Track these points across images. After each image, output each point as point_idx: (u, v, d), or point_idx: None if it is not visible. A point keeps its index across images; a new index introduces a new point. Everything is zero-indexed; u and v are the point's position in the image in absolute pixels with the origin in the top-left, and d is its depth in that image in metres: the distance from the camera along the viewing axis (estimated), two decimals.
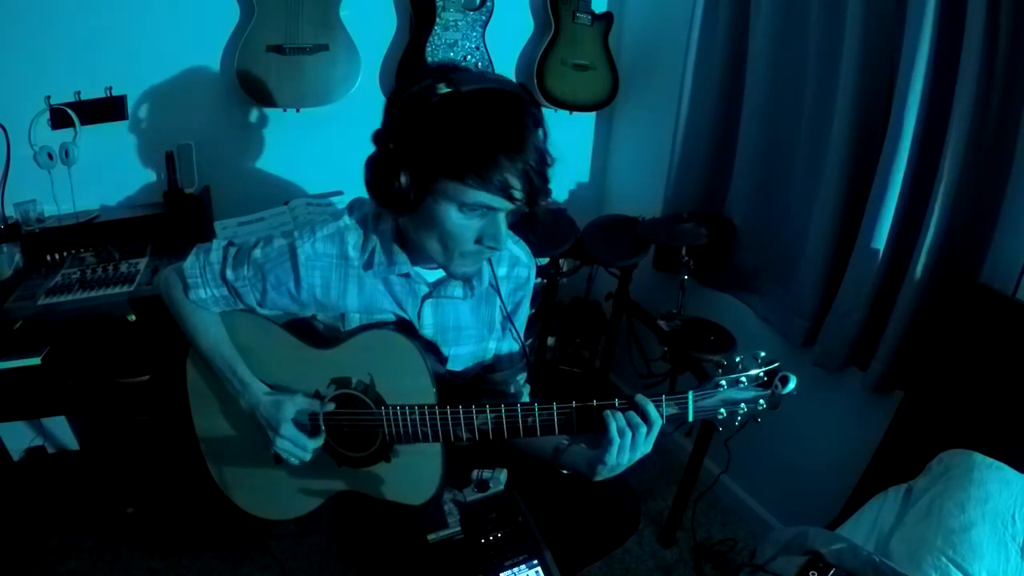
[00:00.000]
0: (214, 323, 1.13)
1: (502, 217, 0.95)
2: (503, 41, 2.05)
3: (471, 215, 0.93)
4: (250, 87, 1.75)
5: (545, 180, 0.94)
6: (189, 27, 1.75)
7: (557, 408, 0.98)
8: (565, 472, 1.09)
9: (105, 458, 1.74)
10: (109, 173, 1.81)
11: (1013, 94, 1.22)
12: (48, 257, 1.67)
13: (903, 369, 1.43)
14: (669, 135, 1.97)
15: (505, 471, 1.17)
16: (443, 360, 1.15)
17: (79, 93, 1.70)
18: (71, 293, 1.50)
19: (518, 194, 0.91)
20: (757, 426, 0.99)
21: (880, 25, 1.36)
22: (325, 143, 1.99)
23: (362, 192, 1.13)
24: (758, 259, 1.82)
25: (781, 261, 1.73)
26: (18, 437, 1.87)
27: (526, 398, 1.26)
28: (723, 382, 0.95)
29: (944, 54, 1.25)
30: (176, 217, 1.74)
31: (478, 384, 1.24)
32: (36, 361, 1.40)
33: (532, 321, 1.29)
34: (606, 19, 2.10)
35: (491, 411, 1.00)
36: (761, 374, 0.95)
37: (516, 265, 1.18)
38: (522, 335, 1.23)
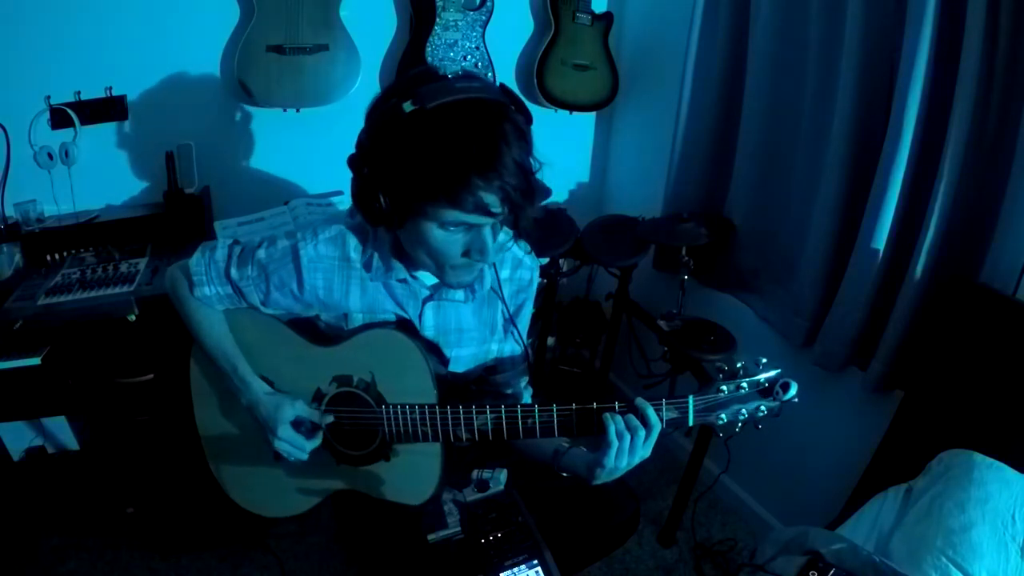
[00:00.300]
0: (217, 320, 1.13)
1: (487, 231, 0.93)
2: (503, 41, 2.05)
3: (454, 231, 0.92)
4: (250, 87, 1.75)
5: (527, 192, 0.89)
6: (189, 27, 1.75)
7: (557, 410, 0.98)
8: (564, 475, 1.10)
9: (105, 458, 1.74)
10: (109, 173, 1.81)
11: (1013, 94, 1.22)
12: (48, 257, 1.67)
13: (903, 369, 1.43)
14: (669, 135, 1.97)
15: (505, 471, 1.17)
16: (445, 361, 1.15)
17: (79, 93, 1.71)
18: (71, 293, 1.50)
19: (496, 210, 0.88)
20: (760, 428, 0.99)
21: (880, 25, 1.36)
22: (325, 143, 1.98)
23: None
24: (758, 259, 1.82)
25: (781, 261, 1.73)
26: (18, 437, 1.87)
27: (527, 400, 1.26)
28: (724, 388, 0.95)
29: (944, 54, 1.25)
30: (176, 217, 1.74)
31: (479, 385, 1.24)
32: (36, 361, 1.41)
33: (532, 321, 1.29)
34: (606, 19, 2.10)
35: (491, 412, 1.00)
36: (762, 380, 0.95)
37: (519, 267, 1.18)
38: (525, 337, 1.23)
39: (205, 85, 1.82)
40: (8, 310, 1.45)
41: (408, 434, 1.05)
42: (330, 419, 1.10)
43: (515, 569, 1.01)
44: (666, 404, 0.96)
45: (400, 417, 1.04)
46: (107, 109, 1.74)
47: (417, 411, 1.03)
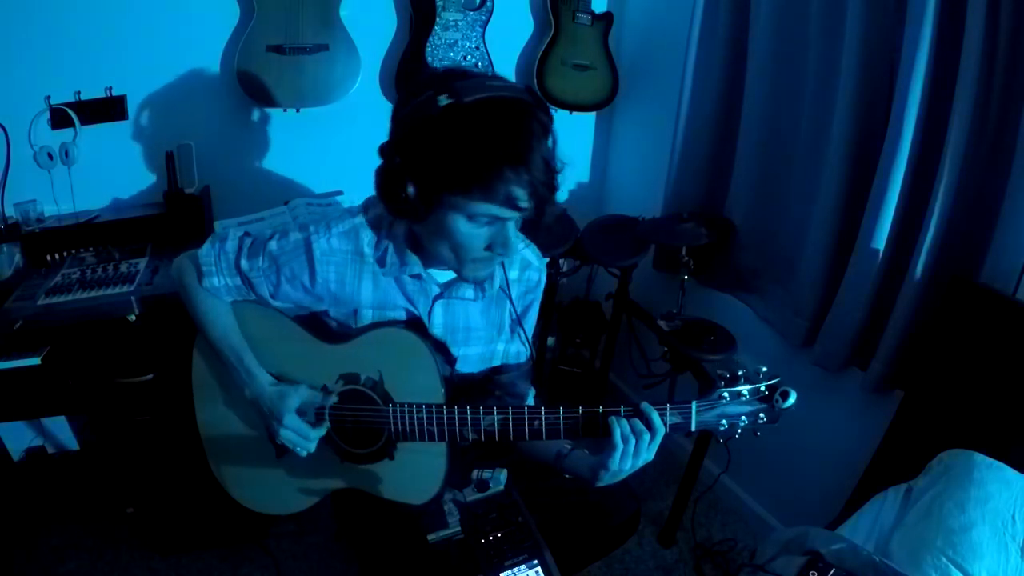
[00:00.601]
0: (224, 311, 1.13)
1: (511, 225, 0.96)
2: (503, 41, 2.05)
3: (479, 224, 0.94)
4: (250, 87, 1.75)
5: (552, 189, 0.93)
6: (189, 27, 1.75)
7: (563, 412, 0.99)
8: (568, 476, 1.10)
9: (105, 458, 1.74)
10: (109, 173, 1.81)
11: (1013, 94, 1.22)
12: (48, 257, 1.67)
13: (903, 369, 1.43)
14: (669, 135, 1.97)
15: (505, 471, 1.17)
16: (452, 361, 1.16)
17: (79, 93, 1.70)
18: (71, 293, 1.50)
19: (524, 204, 0.91)
20: (759, 435, 1.00)
21: (880, 25, 1.36)
22: (325, 143, 1.99)
23: (362, 192, 1.14)
24: (758, 259, 1.82)
25: (781, 261, 1.73)
26: (18, 437, 1.87)
27: (531, 400, 1.26)
28: (725, 394, 0.97)
29: (944, 54, 1.25)
30: (176, 217, 1.74)
31: (484, 385, 1.25)
32: (36, 361, 1.41)
33: (531, 346, 1.30)
34: (606, 19, 2.10)
35: (498, 413, 1.01)
36: (763, 388, 0.97)
37: (527, 269, 1.19)
38: (531, 339, 1.24)
39: (205, 85, 1.82)
40: (8, 310, 1.45)
41: (414, 433, 1.06)
42: (334, 399, 1.09)
43: (515, 569, 1.01)
44: (670, 409, 0.97)
45: (407, 416, 1.05)
46: (107, 109, 1.74)
47: (424, 411, 1.04)
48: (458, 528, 1.10)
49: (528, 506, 1.14)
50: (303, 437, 1.07)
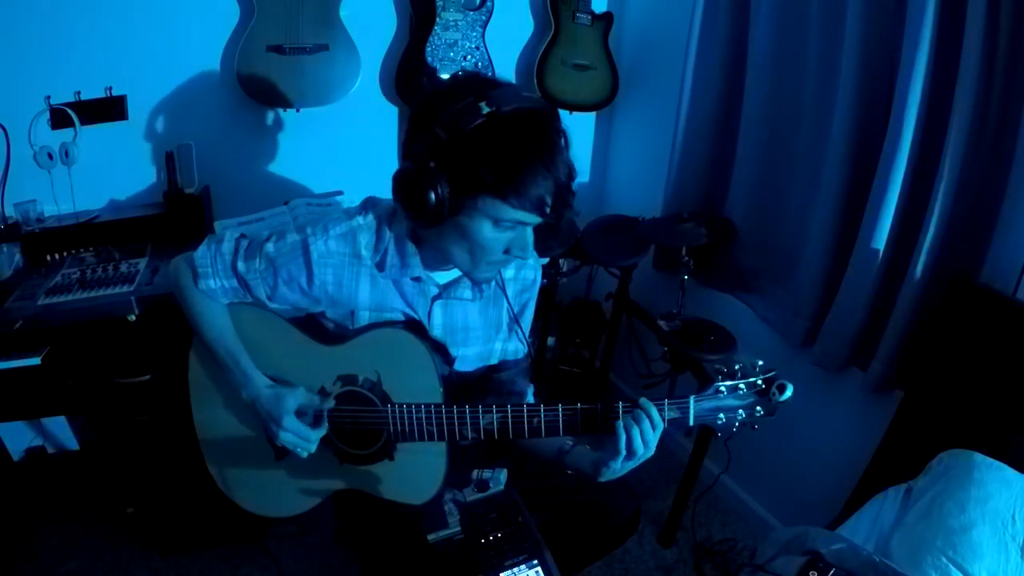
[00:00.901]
0: (220, 313, 1.13)
1: (530, 229, 0.99)
2: (503, 41, 2.05)
3: (503, 229, 0.96)
4: (250, 87, 1.75)
5: (572, 193, 0.97)
6: (189, 27, 1.75)
7: (563, 409, 1.00)
8: (570, 472, 1.11)
9: (105, 458, 1.73)
10: (109, 173, 1.81)
11: (1013, 94, 1.22)
12: (48, 257, 1.67)
13: (903, 369, 1.43)
14: (669, 135, 1.97)
15: (505, 471, 1.17)
16: (450, 361, 1.16)
17: (79, 93, 1.71)
18: (71, 293, 1.50)
19: (550, 209, 0.95)
20: (756, 429, 1.01)
21: (880, 25, 1.36)
22: (325, 143, 1.98)
23: (362, 192, 1.14)
24: (758, 259, 1.82)
25: (781, 261, 1.73)
26: (18, 437, 1.88)
27: (530, 396, 1.27)
28: (723, 388, 0.98)
29: (944, 54, 1.25)
30: (176, 217, 1.74)
31: (484, 383, 1.25)
32: (36, 361, 1.40)
33: (532, 320, 1.30)
34: (606, 19, 2.10)
35: (497, 411, 1.02)
36: (759, 382, 0.98)
37: (523, 267, 1.20)
38: (528, 336, 1.25)
39: (205, 85, 1.82)
40: (8, 310, 1.45)
41: (414, 433, 1.06)
42: (331, 404, 1.09)
43: (515, 569, 1.01)
44: (668, 404, 0.98)
45: (406, 416, 1.05)
46: (107, 109, 1.74)
47: (423, 410, 1.04)
48: (458, 528, 1.10)
49: (528, 506, 1.14)
50: (303, 439, 1.07)
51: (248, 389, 1.11)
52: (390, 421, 1.06)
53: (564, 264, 2.08)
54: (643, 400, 0.97)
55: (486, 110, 0.90)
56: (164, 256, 1.66)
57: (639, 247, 1.97)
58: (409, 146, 0.98)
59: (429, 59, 1.91)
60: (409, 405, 1.05)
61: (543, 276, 2.00)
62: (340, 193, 1.91)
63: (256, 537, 1.87)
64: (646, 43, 2.21)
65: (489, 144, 0.90)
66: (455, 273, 1.13)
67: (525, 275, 1.21)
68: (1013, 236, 1.25)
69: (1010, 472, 1.13)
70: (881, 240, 1.39)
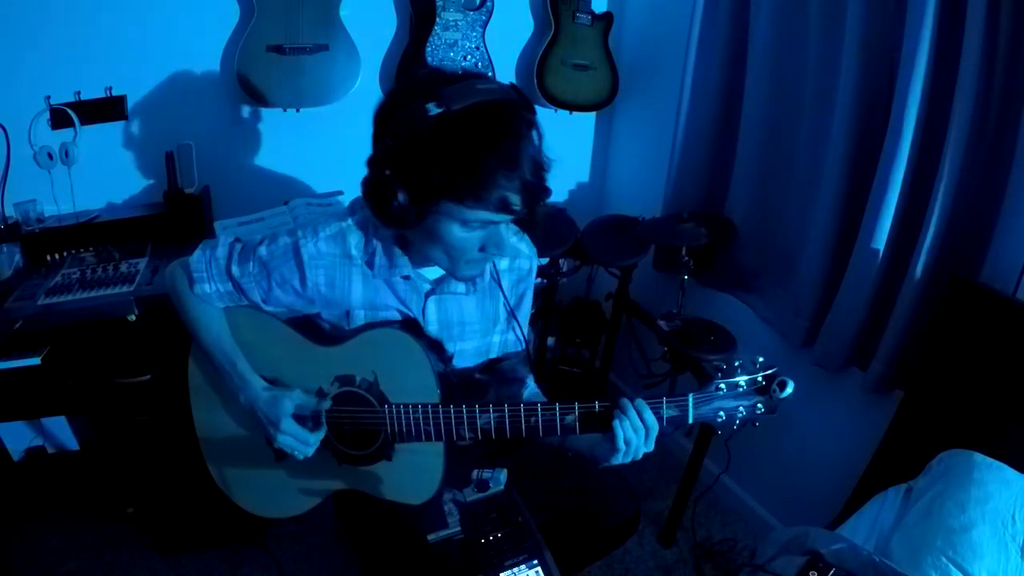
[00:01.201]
0: (217, 318, 1.13)
1: (504, 227, 0.97)
2: (503, 41, 2.05)
3: (473, 228, 0.95)
4: (250, 87, 1.75)
5: (543, 189, 0.94)
6: (189, 27, 1.75)
7: (560, 408, 1.00)
8: (571, 454, 1.11)
9: (105, 458, 1.73)
10: (109, 173, 1.81)
11: (1013, 94, 1.21)
12: (48, 257, 1.67)
13: (903, 369, 1.43)
14: (669, 135, 1.97)
15: (505, 471, 1.17)
16: (449, 358, 1.16)
17: (79, 93, 1.70)
18: (71, 293, 1.50)
19: (517, 207, 0.92)
20: (757, 426, 1.01)
21: (880, 25, 1.36)
22: (325, 143, 1.98)
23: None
24: (758, 259, 1.82)
25: (781, 261, 1.73)
26: (18, 437, 1.87)
27: (532, 384, 1.26)
28: (722, 386, 0.97)
29: (944, 54, 1.25)
30: (176, 217, 1.74)
31: (484, 373, 1.25)
32: (36, 361, 1.40)
33: (532, 321, 1.31)
34: (606, 19, 2.09)
35: (494, 411, 1.01)
36: (759, 379, 0.97)
37: (517, 257, 1.20)
38: (526, 327, 1.25)
39: (205, 85, 1.82)
40: (8, 310, 1.45)
41: (411, 434, 1.06)
42: (328, 404, 1.09)
43: (515, 569, 1.01)
44: (666, 402, 0.97)
45: (403, 417, 1.05)
46: (107, 109, 1.74)
47: (420, 411, 1.04)
48: (458, 528, 1.10)
49: (528, 506, 1.14)
50: (302, 442, 1.08)
51: (246, 393, 1.11)
52: (387, 422, 1.06)
53: (564, 264, 2.09)
54: (638, 401, 0.96)
55: (435, 111, 0.86)
56: (164, 256, 1.66)
57: (639, 247, 1.97)
58: (370, 156, 0.96)
59: (429, 59, 1.91)
60: (406, 405, 1.05)
61: (543, 276, 2.03)
62: (340, 193, 1.91)
63: (256, 537, 1.87)
64: (646, 43, 2.21)
65: (439, 148, 0.87)
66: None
67: (520, 265, 1.20)
68: (1013, 236, 1.25)
69: (1010, 472, 1.13)
70: (881, 240, 1.39)
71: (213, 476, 1.25)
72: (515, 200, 0.91)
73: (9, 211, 1.69)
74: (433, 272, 1.13)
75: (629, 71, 2.20)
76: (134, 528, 1.82)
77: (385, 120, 0.92)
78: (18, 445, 1.88)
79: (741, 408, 0.98)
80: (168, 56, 1.76)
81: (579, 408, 0.99)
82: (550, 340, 2.34)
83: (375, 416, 1.08)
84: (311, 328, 1.14)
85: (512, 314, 1.21)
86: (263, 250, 1.08)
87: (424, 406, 1.04)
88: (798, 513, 1.79)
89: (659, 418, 0.97)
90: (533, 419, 1.00)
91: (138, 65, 1.73)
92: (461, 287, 1.13)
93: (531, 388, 1.25)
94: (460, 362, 1.19)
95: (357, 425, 1.10)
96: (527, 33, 2.16)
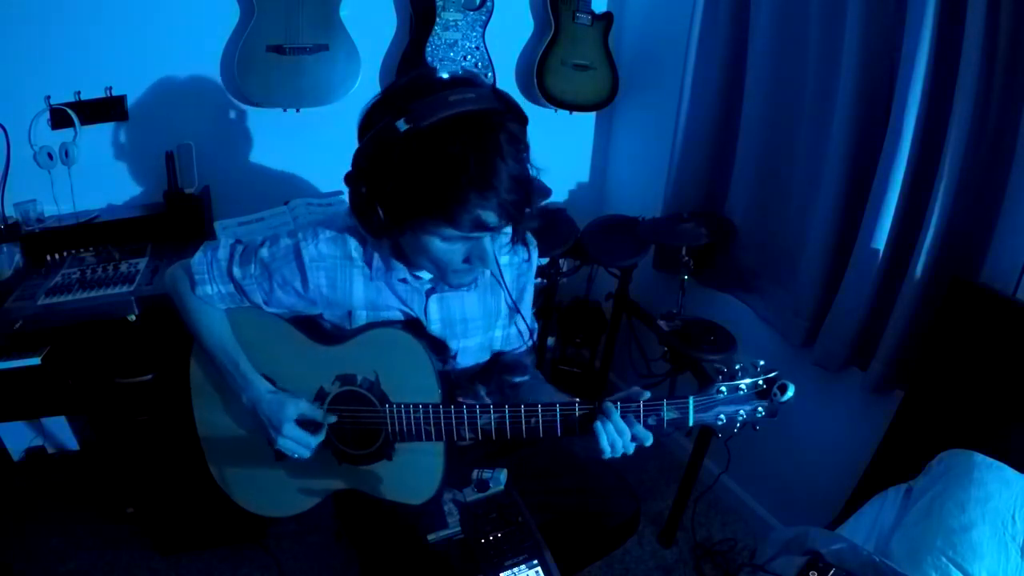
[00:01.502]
0: (218, 319, 1.13)
1: (487, 240, 0.95)
2: (503, 41, 2.05)
3: (454, 242, 0.94)
4: (250, 87, 1.75)
5: (523, 205, 0.91)
6: (189, 27, 1.75)
7: (560, 409, 1.00)
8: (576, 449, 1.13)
9: (105, 458, 1.74)
10: (109, 173, 1.81)
11: (1013, 94, 1.21)
12: (48, 257, 1.67)
13: (903, 369, 1.43)
14: (669, 135, 1.97)
15: (505, 471, 1.17)
16: (452, 356, 1.16)
17: (79, 93, 1.70)
18: (71, 293, 1.50)
19: (494, 224, 0.90)
20: (758, 429, 1.01)
21: (880, 25, 1.36)
22: (325, 143, 1.98)
23: None
24: (758, 259, 1.82)
25: (781, 261, 1.73)
26: (18, 437, 1.87)
27: (532, 369, 1.26)
28: (723, 388, 0.97)
29: (944, 54, 1.25)
30: (176, 217, 1.74)
31: (488, 366, 1.26)
32: (36, 361, 1.40)
33: (535, 319, 1.31)
34: (606, 19, 2.09)
35: (495, 412, 1.02)
36: (760, 382, 0.97)
37: (516, 251, 1.19)
38: (530, 317, 1.26)
39: (205, 85, 1.82)
40: (8, 310, 1.45)
41: (412, 433, 1.06)
42: (333, 419, 1.10)
43: (515, 569, 1.01)
44: (667, 404, 0.97)
45: (404, 416, 1.05)
46: (107, 109, 1.74)
47: (421, 410, 1.04)
48: (458, 528, 1.10)
49: (528, 506, 1.13)
50: (303, 446, 1.08)
51: (249, 393, 1.11)
52: (388, 421, 1.06)
53: (564, 264, 2.08)
54: (606, 404, 0.96)
55: (403, 128, 0.84)
56: (164, 256, 1.66)
57: (639, 247, 1.97)
58: (350, 170, 0.96)
59: (429, 59, 1.91)
60: (407, 405, 1.05)
61: (543, 276, 2.02)
62: (340, 193, 1.91)
63: (256, 537, 1.87)
64: (646, 43, 2.21)
65: (409, 168, 0.85)
66: None
67: (520, 258, 1.20)
68: (1013, 236, 1.25)
69: (1010, 472, 1.13)
70: (881, 240, 1.39)
71: (213, 475, 1.26)
72: (490, 219, 0.89)
73: (9, 211, 1.69)
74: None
75: (629, 71, 2.20)
76: (134, 528, 1.82)
77: (360, 135, 0.93)
78: (18, 445, 1.88)
79: (741, 411, 0.98)
80: (168, 56, 1.76)
81: (578, 408, 0.99)
82: (550, 340, 2.34)
83: (376, 415, 1.08)
84: (312, 327, 1.14)
85: (516, 308, 1.21)
86: (264, 252, 1.08)
87: (425, 406, 1.04)
88: (798, 513, 1.79)
89: (659, 420, 0.97)
90: (534, 420, 1.01)
91: (138, 65, 1.73)
92: None
93: (531, 374, 1.25)
94: (464, 359, 1.19)
95: (358, 424, 1.10)
96: (527, 33, 2.16)
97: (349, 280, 1.09)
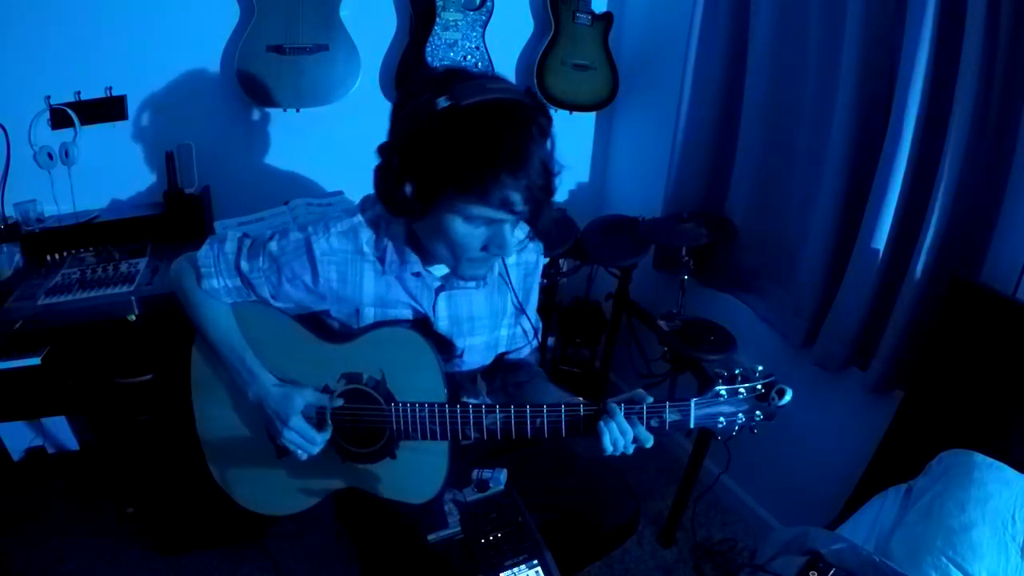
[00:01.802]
0: (224, 313, 1.13)
1: (507, 227, 0.96)
2: (503, 41, 2.05)
3: (476, 225, 0.95)
4: (250, 87, 1.75)
5: (549, 193, 0.93)
6: (189, 27, 1.75)
7: (565, 409, 1.00)
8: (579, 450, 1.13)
9: (105, 458, 1.74)
10: (109, 173, 1.81)
11: (1013, 94, 1.21)
12: (48, 257, 1.67)
13: (903, 369, 1.43)
14: (669, 135, 1.97)
15: (505, 471, 1.17)
16: (459, 354, 1.16)
17: (79, 93, 1.70)
18: (71, 293, 1.50)
19: (520, 208, 0.92)
20: (756, 432, 1.02)
21: (880, 25, 1.36)
22: (325, 143, 1.98)
23: (361, 192, 1.14)
24: (758, 259, 1.82)
25: (781, 261, 1.73)
26: (18, 437, 1.88)
27: (535, 366, 1.27)
28: (723, 392, 0.99)
29: (944, 54, 1.25)
30: (176, 217, 1.74)
31: (494, 364, 1.26)
32: (36, 361, 1.40)
33: (540, 317, 1.31)
34: (606, 19, 2.10)
35: (500, 412, 1.02)
36: (759, 387, 0.99)
37: (523, 251, 1.19)
38: (534, 317, 1.26)
39: (205, 85, 1.82)
40: (8, 310, 1.45)
41: (417, 432, 1.06)
42: (340, 402, 1.10)
43: (515, 569, 1.01)
44: (669, 406, 0.98)
45: (409, 415, 1.05)
46: (107, 109, 1.74)
47: (427, 409, 1.04)
48: (458, 528, 1.10)
49: (528, 506, 1.14)
50: (308, 441, 1.08)
51: (255, 388, 1.11)
52: (393, 420, 1.07)
53: (564, 264, 2.09)
54: (632, 418, 0.97)
55: (443, 105, 0.87)
56: (164, 256, 1.66)
57: (639, 247, 1.97)
58: (381, 144, 0.97)
59: (429, 59, 1.91)
60: (413, 404, 1.05)
61: (543, 276, 2.02)
62: (340, 193, 1.91)
63: (256, 537, 1.87)
64: (646, 43, 2.21)
65: (445, 140, 0.88)
66: None
67: (527, 259, 1.20)
68: (1013, 236, 1.25)
69: (1010, 472, 1.13)
70: (881, 240, 1.39)
71: (212, 473, 1.25)
72: (517, 200, 0.91)
73: (9, 211, 1.70)
74: (442, 269, 1.13)
75: (629, 71, 2.20)
76: (134, 528, 1.82)
77: (398, 109, 0.94)
78: (18, 445, 1.88)
79: (740, 414, 0.99)
80: (168, 56, 1.76)
81: (583, 408, 1.00)
82: (550, 340, 2.34)
83: (381, 414, 1.08)
84: (319, 325, 1.14)
85: (521, 309, 1.21)
86: (274, 245, 1.08)
87: (431, 405, 1.04)
88: (798, 513, 1.79)
89: (662, 422, 0.98)
90: (539, 420, 1.01)
91: (138, 65, 1.73)
92: (471, 282, 1.13)
93: (535, 374, 1.25)
94: (470, 357, 1.19)
95: (362, 423, 1.10)
96: (527, 33, 2.16)
97: (360, 275, 1.09)
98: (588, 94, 2.15)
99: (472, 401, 1.08)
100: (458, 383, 1.18)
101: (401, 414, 1.06)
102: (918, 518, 1.11)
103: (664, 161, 2.01)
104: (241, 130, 1.92)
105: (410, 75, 1.93)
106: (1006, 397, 1.22)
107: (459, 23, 1.92)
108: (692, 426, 0.99)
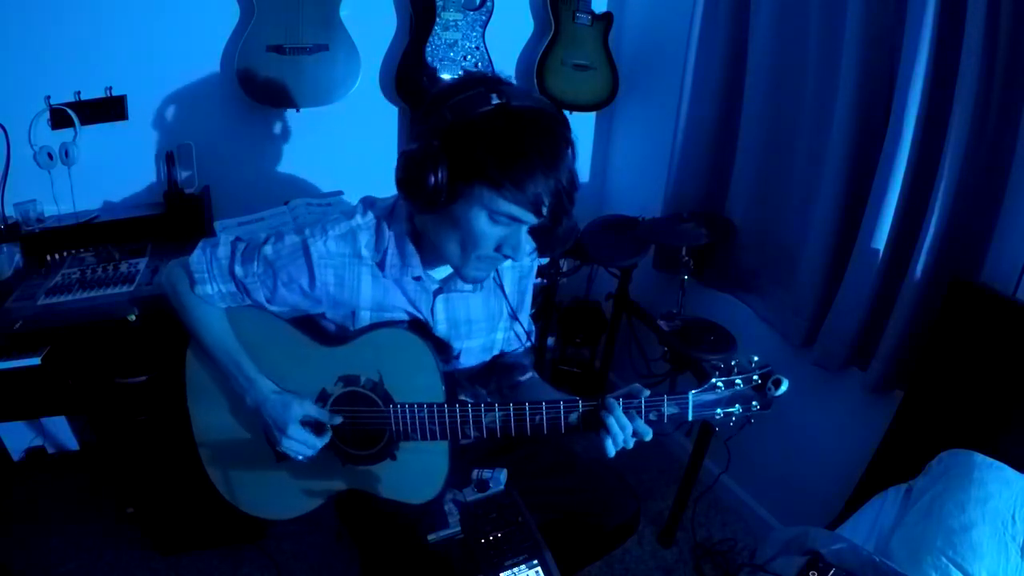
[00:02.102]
0: (219, 318, 1.12)
1: (525, 230, 0.98)
2: (503, 41, 2.05)
3: (497, 223, 0.95)
4: (250, 87, 1.75)
5: (572, 201, 0.96)
6: (189, 27, 1.75)
7: (564, 405, 1.01)
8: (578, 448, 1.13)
9: (105, 458, 1.74)
10: (109, 173, 1.81)
11: (1013, 94, 1.21)
12: (48, 257, 1.67)
13: (903, 369, 1.43)
14: (669, 135, 1.97)
15: (505, 471, 1.17)
16: (455, 356, 1.17)
17: (79, 93, 1.70)
18: (71, 293, 1.50)
19: (546, 210, 0.94)
20: (757, 426, 1.02)
21: (880, 25, 1.36)
22: (325, 143, 1.99)
23: (361, 192, 1.14)
24: (758, 259, 1.82)
25: (781, 261, 1.73)
26: (18, 437, 1.88)
27: (531, 369, 1.27)
28: (720, 384, 0.99)
29: (944, 54, 1.25)
30: (176, 217, 1.74)
31: (489, 366, 1.27)
32: (36, 361, 1.40)
33: (532, 321, 1.31)
34: (606, 19, 2.10)
35: (499, 410, 1.02)
36: (755, 377, 0.99)
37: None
38: (527, 321, 1.27)
39: (205, 85, 1.82)
40: (8, 310, 1.45)
41: (416, 433, 1.06)
42: (339, 420, 1.10)
43: (515, 569, 1.01)
44: (667, 400, 0.99)
45: (408, 416, 1.05)
46: (107, 109, 1.74)
47: (425, 410, 1.04)
48: (458, 528, 1.10)
49: (528, 506, 1.14)
50: (308, 446, 1.08)
51: (252, 394, 1.10)
52: (392, 421, 1.07)
53: (564, 264, 2.08)
54: (631, 412, 0.98)
55: (496, 100, 0.91)
56: (164, 256, 1.66)
57: (639, 247, 1.97)
58: (416, 130, 0.98)
59: (429, 59, 1.91)
60: (411, 404, 1.05)
61: (543, 276, 2.03)
62: (340, 193, 1.91)
63: (256, 537, 1.87)
64: (646, 43, 2.21)
65: (493, 131, 0.90)
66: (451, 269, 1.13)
67: (522, 263, 1.21)
68: (1013, 236, 1.25)
69: (1010, 472, 1.13)
70: (881, 240, 1.39)
71: (212, 479, 1.25)
72: (547, 201, 0.93)
73: (9, 211, 1.70)
74: (441, 272, 1.13)
75: (629, 71, 2.20)
76: (134, 528, 1.82)
77: (445, 98, 0.94)
78: (18, 445, 1.88)
79: (738, 405, 1.00)
80: (168, 56, 1.76)
81: (582, 405, 1.00)
82: (550, 340, 2.34)
83: (380, 416, 1.08)
84: (314, 328, 1.14)
85: (514, 314, 1.22)
86: (269, 249, 1.08)
87: (429, 405, 1.04)
88: (798, 513, 1.79)
89: (660, 415, 0.99)
90: (538, 417, 1.01)
91: (138, 65, 1.73)
92: (468, 285, 1.13)
93: (530, 375, 1.26)
94: (467, 359, 1.20)
95: (361, 425, 1.10)
96: (527, 33, 2.16)
97: (357, 278, 1.08)
98: (588, 94, 2.15)
99: (471, 400, 1.08)
100: (456, 381, 1.18)
101: (400, 415, 1.06)
102: (918, 518, 1.11)
103: (664, 161, 2.01)
104: (241, 130, 1.92)
105: (410, 75, 1.93)
106: (1006, 397, 1.22)
107: (459, 23, 1.92)
108: (690, 419, 1.00)
